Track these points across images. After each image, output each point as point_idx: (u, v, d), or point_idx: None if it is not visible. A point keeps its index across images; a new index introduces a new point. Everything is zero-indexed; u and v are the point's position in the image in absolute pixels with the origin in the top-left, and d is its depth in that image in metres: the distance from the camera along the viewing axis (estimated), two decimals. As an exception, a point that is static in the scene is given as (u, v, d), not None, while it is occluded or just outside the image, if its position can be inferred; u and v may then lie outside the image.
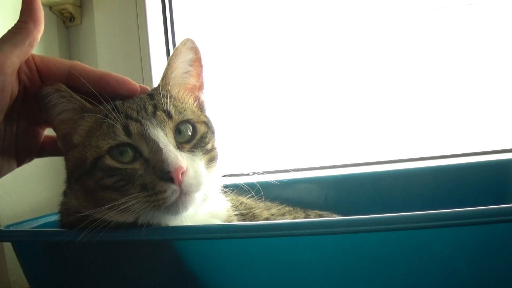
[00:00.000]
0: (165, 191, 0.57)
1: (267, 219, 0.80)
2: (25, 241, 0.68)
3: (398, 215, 0.52)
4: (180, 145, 0.63)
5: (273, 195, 0.84)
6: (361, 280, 0.55)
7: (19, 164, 0.69)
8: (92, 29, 1.23)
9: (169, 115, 0.63)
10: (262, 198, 0.81)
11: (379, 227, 0.52)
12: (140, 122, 0.61)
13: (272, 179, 0.76)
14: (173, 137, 0.63)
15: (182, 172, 0.58)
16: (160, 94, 0.66)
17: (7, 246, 0.97)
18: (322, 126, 1.28)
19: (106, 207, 0.58)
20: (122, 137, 0.60)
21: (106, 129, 0.61)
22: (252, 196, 0.80)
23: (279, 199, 0.86)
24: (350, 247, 0.55)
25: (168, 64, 0.69)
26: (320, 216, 0.89)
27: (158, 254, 0.61)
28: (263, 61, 1.31)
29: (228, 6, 1.33)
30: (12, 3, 1.07)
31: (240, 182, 0.75)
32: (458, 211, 0.51)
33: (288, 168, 1.22)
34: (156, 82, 1.23)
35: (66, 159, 0.66)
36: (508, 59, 1.17)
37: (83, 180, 0.62)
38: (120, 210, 0.58)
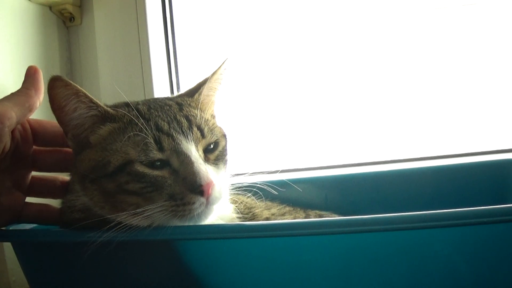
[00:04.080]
0: (193, 203, 0.59)
1: (267, 219, 0.80)
2: (25, 241, 0.68)
3: (398, 215, 0.52)
4: (206, 157, 0.65)
5: (273, 195, 0.84)
6: (361, 280, 0.55)
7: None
8: (92, 29, 1.23)
9: (202, 134, 0.65)
10: (262, 197, 0.81)
11: (379, 227, 0.52)
12: (172, 136, 0.62)
13: (273, 179, 0.76)
14: (202, 151, 0.64)
15: (211, 186, 0.60)
16: (190, 106, 0.68)
17: (7, 246, 0.97)
18: (322, 126, 1.28)
19: (130, 212, 0.58)
20: (155, 153, 0.60)
21: (134, 137, 0.61)
22: (252, 196, 0.80)
23: (279, 199, 0.86)
24: (350, 247, 0.55)
25: (209, 80, 0.71)
26: (320, 216, 0.89)
27: (158, 254, 0.61)
28: (262, 60, 1.31)
29: (228, 6, 1.33)
30: (12, 3, 1.07)
31: (240, 183, 0.75)
32: (458, 211, 0.51)
33: (288, 168, 1.22)
34: (156, 82, 1.23)
35: (78, 159, 0.65)
36: (508, 59, 1.17)
37: (101, 182, 0.61)
38: (143, 216, 0.58)
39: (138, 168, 0.59)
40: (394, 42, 1.24)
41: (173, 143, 0.61)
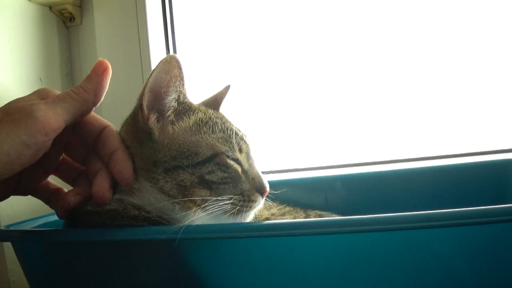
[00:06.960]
0: (255, 201, 0.67)
1: (267, 219, 0.80)
2: (25, 241, 0.68)
3: (398, 215, 0.52)
4: None
5: (273, 195, 0.84)
6: (361, 280, 0.55)
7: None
8: (92, 29, 1.23)
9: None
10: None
11: (379, 227, 0.52)
12: (245, 142, 0.70)
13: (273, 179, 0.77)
14: None
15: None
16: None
17: (7, 246, 0.97)
18: (322, 126, 1.28)
19: (204, 199, 0.62)
20: (236, 153, 0.68)
21: (219, 133, 0.67)
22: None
23: (279, 199, 0.86)
24: (350, 247, 0.55)
25: (223, 101, 0.78)
26: (320, 216, 0.89)
27: (158, 254, 0.61)
28: (263, 60, 1.31)
29: (229, 6, 1.33)
30: (12, 3, 1.07)
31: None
32: (458, 211, 0.51)
33: (288, 168, 1.22)
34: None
35: (154, 148, 0.64)
36: (508, 59, 1.17)
37: (178, 172, 0.63)
38: (215, 207, 0.63)
39: (226, 159, 0.65)
40: (395, 42, 1.24)
41: (247, 148, 0.70)
